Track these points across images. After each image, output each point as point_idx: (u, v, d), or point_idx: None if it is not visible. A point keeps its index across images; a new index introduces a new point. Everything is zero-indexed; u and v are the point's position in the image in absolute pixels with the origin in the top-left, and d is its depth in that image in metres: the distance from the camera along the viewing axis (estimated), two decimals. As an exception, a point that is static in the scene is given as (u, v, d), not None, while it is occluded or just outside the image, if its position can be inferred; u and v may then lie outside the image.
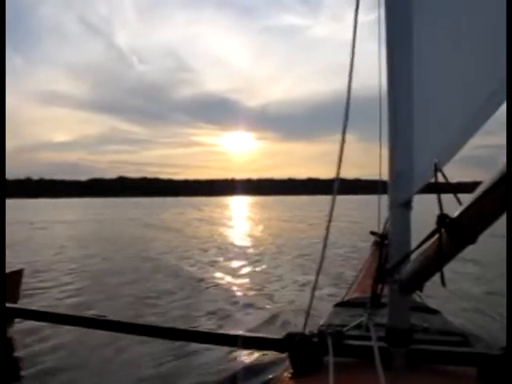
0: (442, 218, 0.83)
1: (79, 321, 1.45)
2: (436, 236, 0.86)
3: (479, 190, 0.75)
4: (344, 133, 1.34)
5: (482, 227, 0.78)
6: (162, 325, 1.34)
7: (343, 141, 1.34)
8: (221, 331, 1.43)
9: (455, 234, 0.81)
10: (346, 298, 2.12)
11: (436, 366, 1.14)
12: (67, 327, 3.07)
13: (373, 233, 2.98)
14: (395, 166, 1.13)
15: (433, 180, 0.95)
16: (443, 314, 1.74)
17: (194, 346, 3.34)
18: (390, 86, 1.13)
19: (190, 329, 1.38)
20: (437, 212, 0.85)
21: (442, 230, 0.84)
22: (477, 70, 0.90)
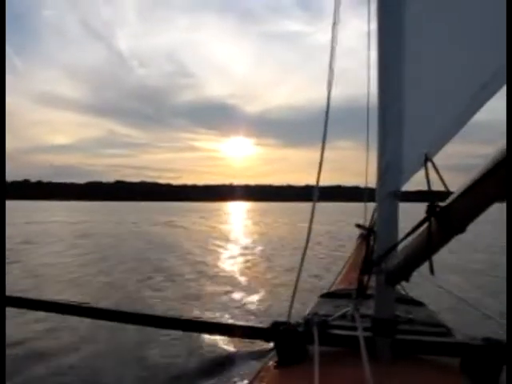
0: (432, 207, 0.83)
1: (74, 310, 1.45)
2: (425, 225, 0.86)
3: (469, 180, 0.75)
4: (324, 141, 1.38)
5: (472, 216, 0.78)
6: (150, 313, 1.36)
7: (323, 148, 1.37)
8: (207, 320, 1.44)
9: (445, 223, 0.81)
10: (332, 289, 2.12)
11: (420, 356, 1.15)
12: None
13: (359, 225, 2.95)
14: (385, 157, 1.11)
15: (423, 170, 0.95)
16: (427, 306, 1.75)
17: (179, 333, 3.26)
18: (380, 79, 1.12)
19: (177, 317, 1.39)
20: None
21: (432, 218, 0.84)
22: (467, 63, 0.92)
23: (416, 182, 1.06)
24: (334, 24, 1.35)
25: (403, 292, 1.98)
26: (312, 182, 1.39)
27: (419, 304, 1.74)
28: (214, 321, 1.23)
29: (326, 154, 1.35)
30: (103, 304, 4.54)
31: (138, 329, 3.15)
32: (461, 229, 0.80)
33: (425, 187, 0.95)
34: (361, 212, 2.64)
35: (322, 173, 1.37)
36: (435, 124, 0.99)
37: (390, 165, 1.10)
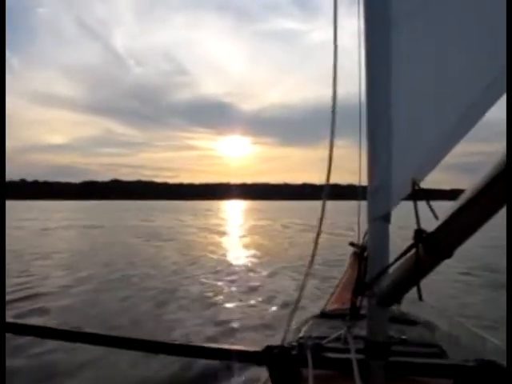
0: (419, 233, 0.84)
1: (74, 336, 1.43)
2: (413, 250, 0.87)
3: (455, 206, 0.76)
4: (332, 138, 1.33)
5: (458, 242, 0.79)
6: (138, 337, 1.34)
7: (332, 146, 1.32)
8: (199, 344, 1.43)
9: (432, 249, 0.82)
10: (326, 310, 2.13)
11: (413, 378, 1.16)
12: None
13: (352, 244, 2.89)
14: (374, 180, 1.13)
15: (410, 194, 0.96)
16: (422, 325, 1.75)
17: (165, 357, 3.29)
18: (368, 102, 1.13)
19: (165, 341, 1.35)
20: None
21: (419, 244, 0.85)
22: (452, 87, 0.91)
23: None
24: (335, 22, 1.32)
25: (397, 311, 1.99)
26: (308, 180, 1.38)
27: (413, 323, 1.75)
28: (204, 345, 1.35)
29: (320, 153, 1.32)
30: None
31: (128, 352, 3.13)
32: (448, 254, 0.81)
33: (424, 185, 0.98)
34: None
35: (318, 172, 1.33)
36: (423, 149, 1.01)
37: (380, 189, 1.11)
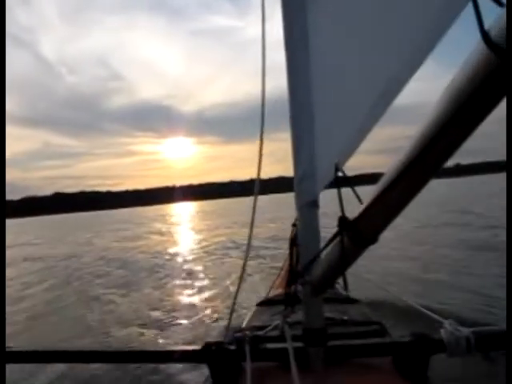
0: (343, 221, 0.82)
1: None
2: (338, 238, 0.85)
3: (374, 192, 0.74)
4: (262, 134, 1.32)
5: (381, 227, 0.77)
6: (68, 348, 1.32)
7: (261, 142, 1.31)
8: (137, 349, 1.41)
9: (356, 236, 0.80)
10: (270, 295, 2.14)
11: (353, 360, 1.16)
12: None
13: (295, 225, 2.69)
14: (299, 169, 1.13)
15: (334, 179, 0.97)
16: (362, 303, 1.79)
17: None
18: (290, 92, 1.14)
19: (101, 349, 1.32)
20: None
21: (343, 232, 0.83)
22: (368, 71, 0.90)
23: (357, 167, 1.02)
24: (263, 20, 1.33)
25: (340, 288, 1.96)
26: (256, 175, 1.33)
27: (354, 301, 1.77)
28: (143, 349, 1.37)
29: (266, 146, 1.32)
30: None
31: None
32: (372, 240, 0.78)
33: (361, 171, 0.98)
34: None
35: (265, 166, 1.31)
36: (342, 134, 1.00)
37: (306, 175, 1.11)
